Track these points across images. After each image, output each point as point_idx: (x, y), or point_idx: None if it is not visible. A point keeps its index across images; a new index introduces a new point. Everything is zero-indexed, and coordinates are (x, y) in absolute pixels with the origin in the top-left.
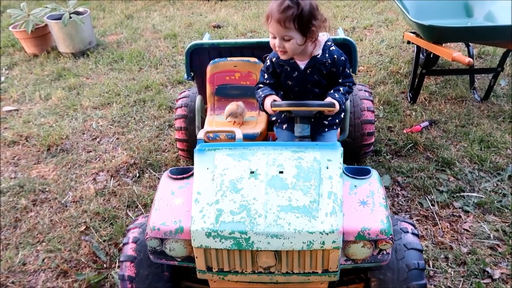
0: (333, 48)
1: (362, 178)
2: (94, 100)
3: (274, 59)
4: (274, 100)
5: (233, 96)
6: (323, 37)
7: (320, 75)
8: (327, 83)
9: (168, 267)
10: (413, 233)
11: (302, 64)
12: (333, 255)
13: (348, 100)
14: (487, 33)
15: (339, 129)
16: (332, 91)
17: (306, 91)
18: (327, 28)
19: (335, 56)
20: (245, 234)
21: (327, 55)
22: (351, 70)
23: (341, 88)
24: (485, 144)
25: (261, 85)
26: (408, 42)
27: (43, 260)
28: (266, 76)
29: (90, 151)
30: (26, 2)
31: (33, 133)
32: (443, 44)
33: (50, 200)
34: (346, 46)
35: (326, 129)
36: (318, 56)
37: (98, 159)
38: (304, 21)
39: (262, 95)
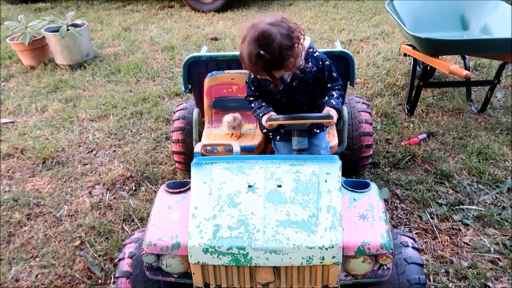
0: (317, 53)
1: (361, 192)
2: (90, 112)
3: None
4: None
5: (231, 109)
6: (304, 44)
7: (306, 84)
8: (314, 90)
9: (164, 283)
10: (413, 247)
11: (286, 76)
12: (333, 270)
13: (346, 112)
14: (483, 46)
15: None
16: (327, 98)
17: (293, 102)
18: (304, 37)
19: (320, 62)
20: (243, 250)
21: (310, 63)
22: (337, 73)
23: (334, 93)
24: (483, 156)
25: (252, 98)
26: (405, 55)
27: (37, 276)
28: (253, 88)
29: (86, 164)
30: (24, 14)
31: (28, 146)
32: (440, 57)
33: (44, 214)
34: (344, 59)
35: (318, 131)
36: (301, 66)
37: (94, 172)
38: (278, 62)
39: (261, 114)
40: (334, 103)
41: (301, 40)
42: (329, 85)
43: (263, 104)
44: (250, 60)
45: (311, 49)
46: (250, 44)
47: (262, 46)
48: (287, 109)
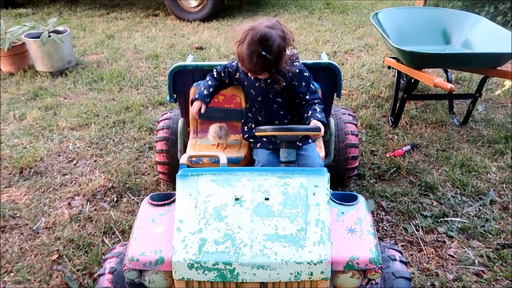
0: (296, 63)
1: (349, 205)
2: (71, 120)
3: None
4: (248, 123)
5: (217, 119)
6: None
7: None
8: (286, 94)
9: None
10: (401, 261)
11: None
12: (321, 286)
13: (333, 124)
14: (465, 60)
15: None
16: (311, 113)
17: (269, 101)
18: (294, 44)
19: (297, 70)
20: (229, 265)
21: (287, 67)
22: (315, 87)
23: (317, 107)
24: (466, 168)
25: (216, 76)
26: (389, 67)
27: None
28: (223, 74)
29: (66, 174)
30: (4, 20)
31: (5, 155)
32: (422, 70)
33: (20, 227)
34: (331, 70)
35: (301, 144)
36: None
37: (74, 182)
38: (275, 63)
39: (197, 95)
40: (319, 116)
41: (293, 43)
42: (307, 97)
43: (211, 90)
44: (250, 60)
45: (294, 57)
46: (251, 45)
47: (264, 47)
48: (263, 111)
